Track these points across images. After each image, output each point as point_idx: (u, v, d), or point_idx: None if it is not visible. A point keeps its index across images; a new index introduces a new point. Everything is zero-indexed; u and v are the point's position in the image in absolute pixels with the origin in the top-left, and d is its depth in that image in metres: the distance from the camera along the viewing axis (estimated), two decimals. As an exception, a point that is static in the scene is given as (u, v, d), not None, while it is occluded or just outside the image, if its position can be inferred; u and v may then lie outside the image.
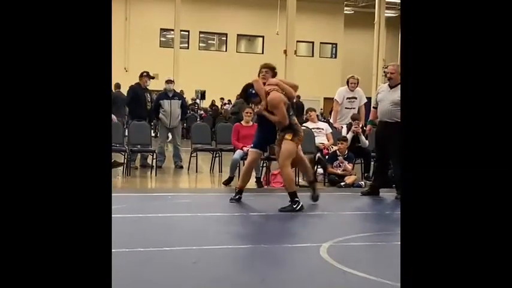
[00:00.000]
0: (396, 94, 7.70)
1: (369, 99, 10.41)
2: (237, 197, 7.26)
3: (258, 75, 7.28)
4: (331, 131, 10.42)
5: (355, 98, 10.66)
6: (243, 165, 8.63)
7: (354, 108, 10.61)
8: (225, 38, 33.24)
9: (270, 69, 7.29)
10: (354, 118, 10.13)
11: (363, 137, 9.97)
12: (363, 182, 9.49)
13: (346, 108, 10.67)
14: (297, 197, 6.85)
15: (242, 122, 9.79)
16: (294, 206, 6.78)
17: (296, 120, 7.18)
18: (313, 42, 34.35)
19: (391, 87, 8.06)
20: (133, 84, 11.43)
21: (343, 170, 9.51)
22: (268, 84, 7.10)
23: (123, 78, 17.17)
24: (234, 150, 9.57)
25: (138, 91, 11.09)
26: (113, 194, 2.62)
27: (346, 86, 10.78)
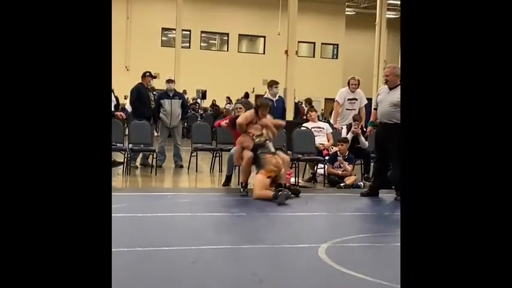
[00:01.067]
0: (395, 95, 7.70)
1: (370, 100, 10.41)
2: (245, 191, 7.86)
3: (256, 111, 8.19)
4: (331, 131, 10.42)
5: (356, 99, 10.65)
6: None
7: (354, 109, 10.61)
8: (226, 38, 33.25)
9: (266, 108, 8.29)
10: (354, 119, 10.14)
11: (362, 138, 9.97)
12: (362, 183, 9.48)
13: (347, 109, 10.67)
14: (278, 193, 7.22)
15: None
16: (283, 193, 7.16)
17: (266, 156, 7.78)
18: (314, 43, 34.36)
19: (390, 88, 8.06)
20: (136, 84, 11.43)
21: (343, 171, 9.51)
22: (259, 124, 8.06)
23: (124, 77, 17.18)
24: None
25: (142, 91, 11.11)
26: (113, 193, 2.62)
27: (347, 87, 10.78)
